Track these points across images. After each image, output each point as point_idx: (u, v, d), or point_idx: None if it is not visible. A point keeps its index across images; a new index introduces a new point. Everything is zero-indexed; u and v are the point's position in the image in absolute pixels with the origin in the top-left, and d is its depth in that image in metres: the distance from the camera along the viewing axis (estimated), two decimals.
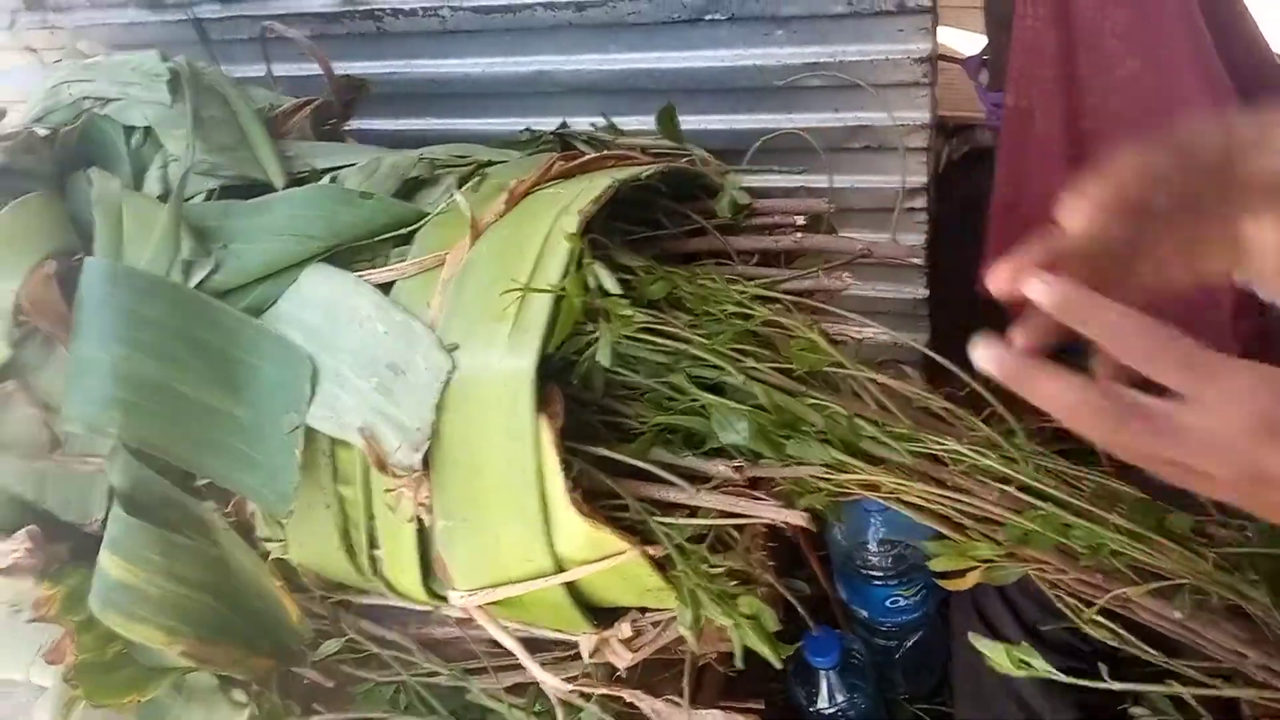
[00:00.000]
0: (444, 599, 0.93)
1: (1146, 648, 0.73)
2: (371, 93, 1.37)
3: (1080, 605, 0.74)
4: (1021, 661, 0.71)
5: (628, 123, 1.25)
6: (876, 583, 1.34)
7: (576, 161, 1.02)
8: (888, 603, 1.35)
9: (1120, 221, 0.56)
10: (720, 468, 0.84)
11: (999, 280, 0.55)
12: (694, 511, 0.84)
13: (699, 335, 0.85)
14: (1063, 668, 0.84)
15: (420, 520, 0.90)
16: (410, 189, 1.07)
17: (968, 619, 1.02)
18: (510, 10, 1.45)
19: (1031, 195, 1.25)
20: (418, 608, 1.01)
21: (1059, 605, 0.77)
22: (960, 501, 0.75)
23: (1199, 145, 0.57)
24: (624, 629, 0.90)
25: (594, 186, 0.93)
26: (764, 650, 0.79)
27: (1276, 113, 0.57)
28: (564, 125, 1.28)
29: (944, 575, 0.78)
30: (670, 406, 0.87)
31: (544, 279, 0.86)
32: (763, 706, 0.94)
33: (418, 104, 1.60)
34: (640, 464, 0.86)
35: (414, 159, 1.09)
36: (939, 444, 0.76)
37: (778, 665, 0.80)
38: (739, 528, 0.86)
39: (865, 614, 1.37)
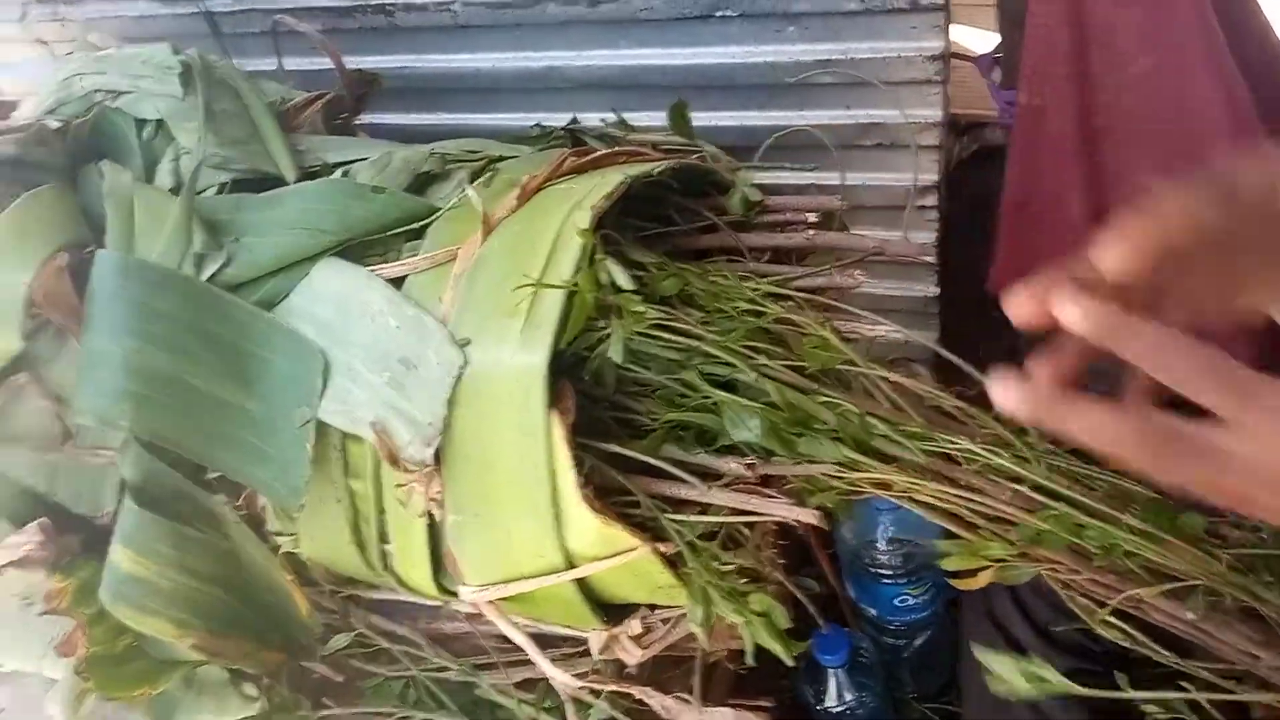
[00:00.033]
0: (454, 594, 0.93)
1: (1159, 648, 0.73)
2: (383, 87, 1.37)
3: (1093, 605, 0.74)
4: (1035, 677, 0.70)
5: (638, 119, 1.24)
6: (885, 581, 1.34)
7: (588, 157, 1.02)
8: (896, 601, 1.35)
9: (1158, 264, 0.53)
10: (732, 465, 0.84)
11: (1021, 304, 0.52)
12: (705, 509, 0.84)
13: (711, 332, 0.85)
14: (1073, 668, 0.84)
15: (431, 515, 0.90)
16: (422, 184, 1.07)
17: (977, 618, 1.02)
18: (521, 5, 1.45)
19: (1043, 193, 1.25)
20: (427, 603, 1.01)
21: (1071, 605, 0.77)
22: (973, 501, 0.75)
23: (1240, 183, 0.54)
24: (634, 626, 0.90)
25: (606, 182, 0.93)
26: (775, 648, 0.79)
27: None
28: (574, 121, 1.28)
29: (956, 574, 0.78)
30: (682, 403, 0.87)
31: (556, 275, 0.86)
32: (771, 704, 0.94)
33: (428, 99, 1.60)
34: (651, 460, 0.85)
35: (425, 154, 1.09)
36: (952, 443, 0.76)
37: (789, 663, 0.80)
38: (750, 525, 0.86)
39: (873, 612, 1.37)
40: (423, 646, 1.03)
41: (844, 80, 1.32)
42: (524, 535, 0.85)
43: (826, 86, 1.35)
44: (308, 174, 1.11)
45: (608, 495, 0.83)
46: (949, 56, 1.29)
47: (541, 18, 1.44)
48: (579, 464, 0.81)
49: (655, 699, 0.90)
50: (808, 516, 0.79)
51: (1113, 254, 0.52)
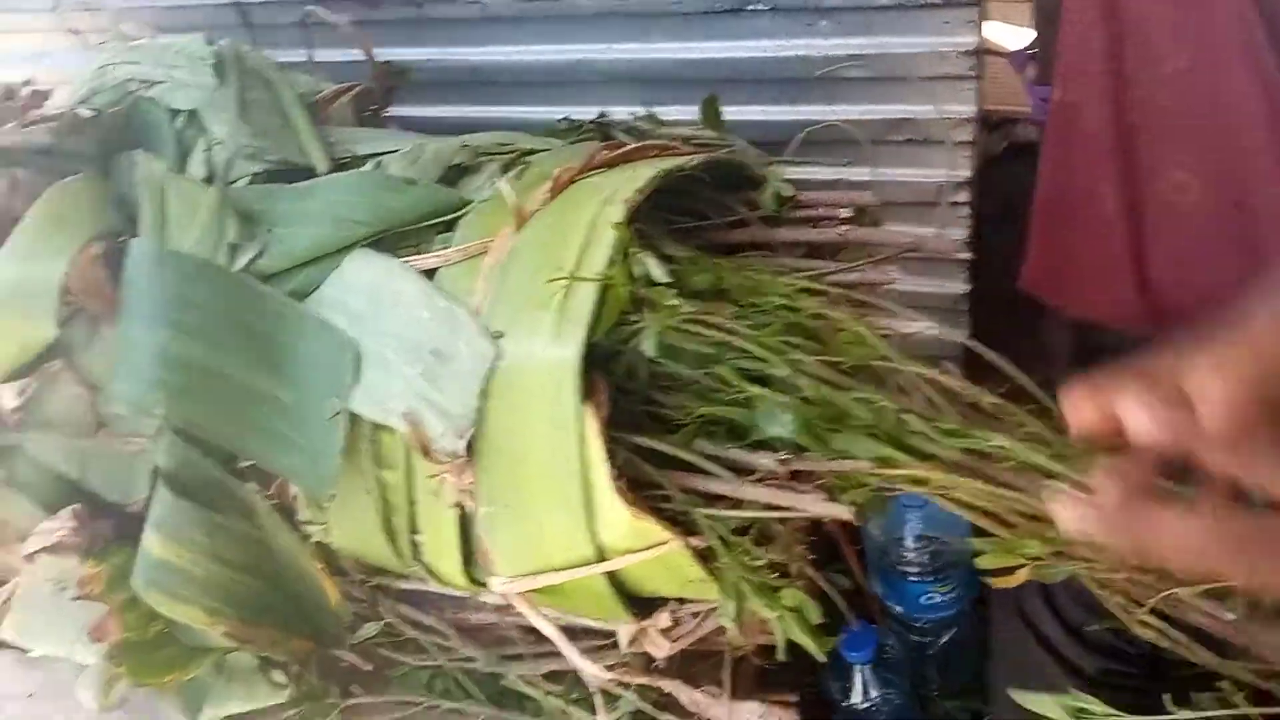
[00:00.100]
0: (484, 585, 0.93)
1: (1198, 647, 0.72)
2: (412, 80, 1.37)
3: (1129, 605, 0.73)
4: (1080, 710, 0.69)
5: (668, 113, 1.24)
6: (912, 579, 1.33)
7: (620, 151, 1.02)
8: (922, 599, 1.35)
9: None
10: (764, 460, 0.83)
11: (1081, 408, 0.48)
12: (737, 503, 0.84)
13: (745, 327, 0.85)
14: (1105, 669, 0.84)
15: (462, 506, 0.90)
16: (453, 176, 1.07)
17: (1007, 617, 1.02)
18: None
19: (1077, 190, 1.24)
20: (456, 593, 1.01)
21: (1106, 605, 0.76)
22: (1010, 498, 0.74)
23: None
24: (662, 619, 0.90)
25: (638, 176, 0.92)
26: (807, 643, 0.79)
27: None
28: (603, 115, 1.28)
29: (990, 572, 0.77)
30: (714, 398, 0.86)
31: (589, 268, 0.85)
32: (797, 699, 0.94)
33: (457, 91, 1.60)
34: (683, 455, 0.85)
35: (457, 146, 1.09)
36: (988, 440, 0.76)
37: (820, 658, 0.80)
38: (781, 521, 0.86)
39: (899, 610, 1.37)
40: (450, 636, 1.03)
41: (875, 75, 1.32)
42: (555, 527, 0.85)
43: (857, 81, 1.34)
44: (339, 165, 1.12)
45: (639, 489, 0.83)
46: (983, 52, 1.29)
47: (571, 10, 1.44)
48: (612, 457, 0.81)
49: (684, 692, 0.90)
50: (842, 513, 0.79)
51: (1212, 395, 0.46)
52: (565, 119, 1.29)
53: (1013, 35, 1.64)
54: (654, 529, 0.80)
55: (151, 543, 0.93)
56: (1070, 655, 0.95)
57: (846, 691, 1.28)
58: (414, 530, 0.96)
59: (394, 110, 1.38)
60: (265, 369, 0.97)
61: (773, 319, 0.86)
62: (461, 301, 0.92)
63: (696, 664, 0.94)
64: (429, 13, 1.53)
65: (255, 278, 1.00)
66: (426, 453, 0.88)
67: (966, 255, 1.43)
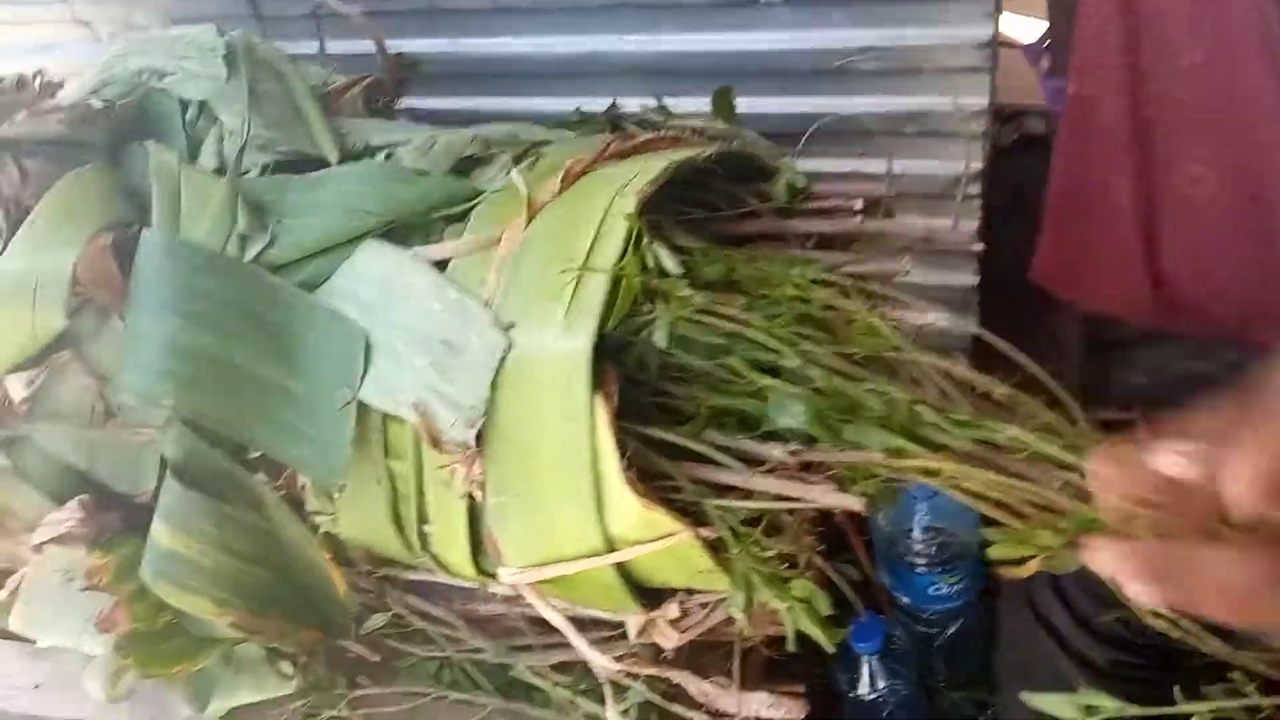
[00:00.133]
0: (493, 576, 0.93)
1: (1209, 638, 0.72)
2: (423, 72, 1.37)
3: None
4: (1089, 709, 0.69)
5: (680, 104, 1.24)
6: (919, 570, 1.33)
7: (632, 143, 1.02)
8: (930, 590, 1.34)
9: None
10: (775, 451, 0.83)
11: (1105, 473, 0.48)
12: (748, 494, 0.84)
13: (756, 317, 0.84)
14: (1114, 660, 0.84)
15: (471, 497, 0.90)
16: (465, 167, 1.06)
17: (1016, 609, 1.01)
18: None
19: (1091, 184, 1.24)
20: (464, 584, 1.01)
21: (1117, 596, 0.76)
22: (1022, 489, 0.74)
23: None
24: (671, 610, 0.90)
25: (650, 168, 0.92)
26: (817, 634, 0.79)
27: None
28: (615, 106, 1.27)
29: (1001, 563, 0.77)
30: (725, 389, 0.86)
31: (601, 259, 0.85)
32: (804, 690, 0.94)
33: (468, 83, 1.59)
34: (694, 446, 0.85)
35: (468, 137, 1.09)
36: (1001, 431, 0.75)
37: (830, 649, 0.79)
38: (790, 511, 0.86)
39: (906, 601, 1.37)
40: (459, 627, 1.03)
41: (888, 67, 1.31)
42: (565, 518, 0.85)
43: (870, 73, 1.34)
44: (350, 156, 1.11)
45: (650, 480, 0.83)
46: (997, 44, 1.28)
47: (582, 2, 1.44)
48: (622, 448, 0.80)
49: (693, 683, 0.90)
50: (853, 504, 0.78)
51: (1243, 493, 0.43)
52: (577, 110, 1.29)
53: (1025, 27, 1.63)
54: (664, 520, 0.80)
55: (160, 533, 0.93)
56: (1080, 647, 0.95)
57: (854, 682, 1.28)
58: (423, 521, 0.96)
59: (405, 102, 1.38)
60: (275, 359, 0.97)
61: (784, 310, 0.85)
62: (473, 293, 0.91)
63: (705, 655, 0.94)
64: (440, 4, 1.53)
65: (266, 268, 1.00)
66: (436, 443, 0.88)
67: (980, 247, 1.42)
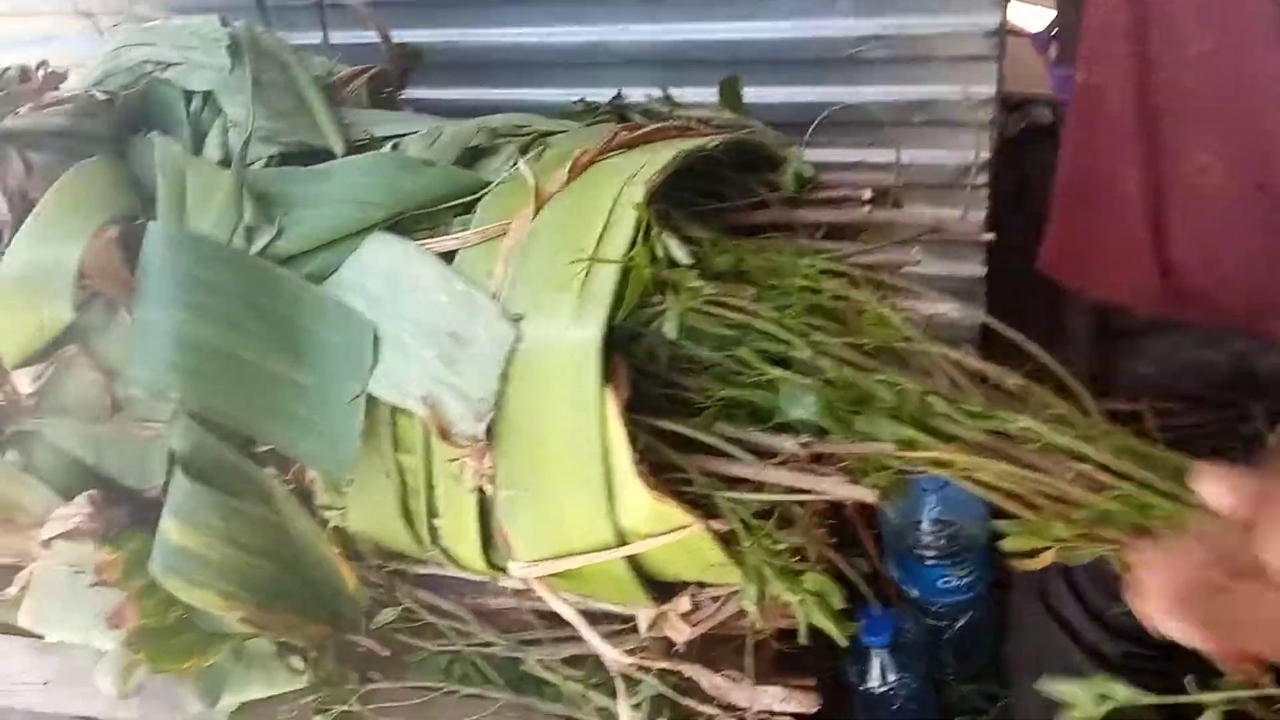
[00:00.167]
0: (503, 570, 0.93)
1: None
2: (427, 62, 1.36)
3: None
4: (1102, 697, 0.69)
5: (685, 94, 1.23)
6: (928, 562, 1.33)
7: (639, 132, 1.01)
8: (939, 583, 1.34)
9: None
10: (786, 443, 0.83)
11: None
12: (759, 487, 0.83)
13: (766, 308, 0.84)
14: (1127, 652, 0.83)
15: (481, 490, 0.90)
16: (470, 158, 1.06)
17: (1028, 601, 1.01)
18: None
19: (1099, 172, 1.23)
20: (474, 578, 1.01)
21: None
22: (1035, 480, 0.74)
23: None
24: (682, 603, 0.89)
25: (659, 157, 0.92)
26: (830, 628, 0.78)
27: None
28: (619, 96, 1.27)
29: (1015, 555, 0.77)
30: (735, 380, 0.86)
31: (610, 249, 0.85)
32: (814, 683, 0.94)
33: (472, 73, 1.59)
34: (704, 438, 0.85)
35: (474, 128, 1.08)
36: (1013, 421, 0.75)
37: (843, 643, 0.79)
38: (800, 504, 0.85)
39: (916, 593, 1.36)
40: (469, 621, 1.03)
41: (895, 56, 1.31)
42: (575, 511, 0.84)
43: (877, 62, 1.33)
44: (355, 148, 1.11)
45: (660, 472, 0.82)
46: (1005, 32, 1.27)
47: None
48: (633, 440, 0.80)
49: (705, 677, 0.90)
50: (865, 496, 0.78)
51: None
52: (581, 101, 1.28)
53: (1031, 15, 1.63)
54: (675, 512, 0.80)
55: (170, 529, 0.93)
56: (1093, 639, 0.94)
57: (863, 675, 1.27)
58: (432, 514, 0.95)
59: (409, 93, 1.37)
60: (283, 352, 0.97)
61: (794, 300, 0.85)
62: (480, 284, 0.91)
63: (715, 648, 0.94)
64: None
65: (273, 260, 0.99)
66: (446, 436, 0.88)
67: (990, 237, 1.41)
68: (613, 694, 0.94)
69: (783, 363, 0.84)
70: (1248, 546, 0.46)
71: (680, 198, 0.99)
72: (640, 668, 0.91)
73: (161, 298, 0.99)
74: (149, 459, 1.05)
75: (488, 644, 1.01)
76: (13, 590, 1.09)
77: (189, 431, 0.97)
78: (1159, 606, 0.47)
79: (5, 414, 1.09)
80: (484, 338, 0.88)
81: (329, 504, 1.01)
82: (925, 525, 1.32)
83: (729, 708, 0.90)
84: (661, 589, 0.89)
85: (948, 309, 0.85)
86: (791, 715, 0.89)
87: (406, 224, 0.99)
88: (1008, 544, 0.75)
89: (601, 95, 1.27)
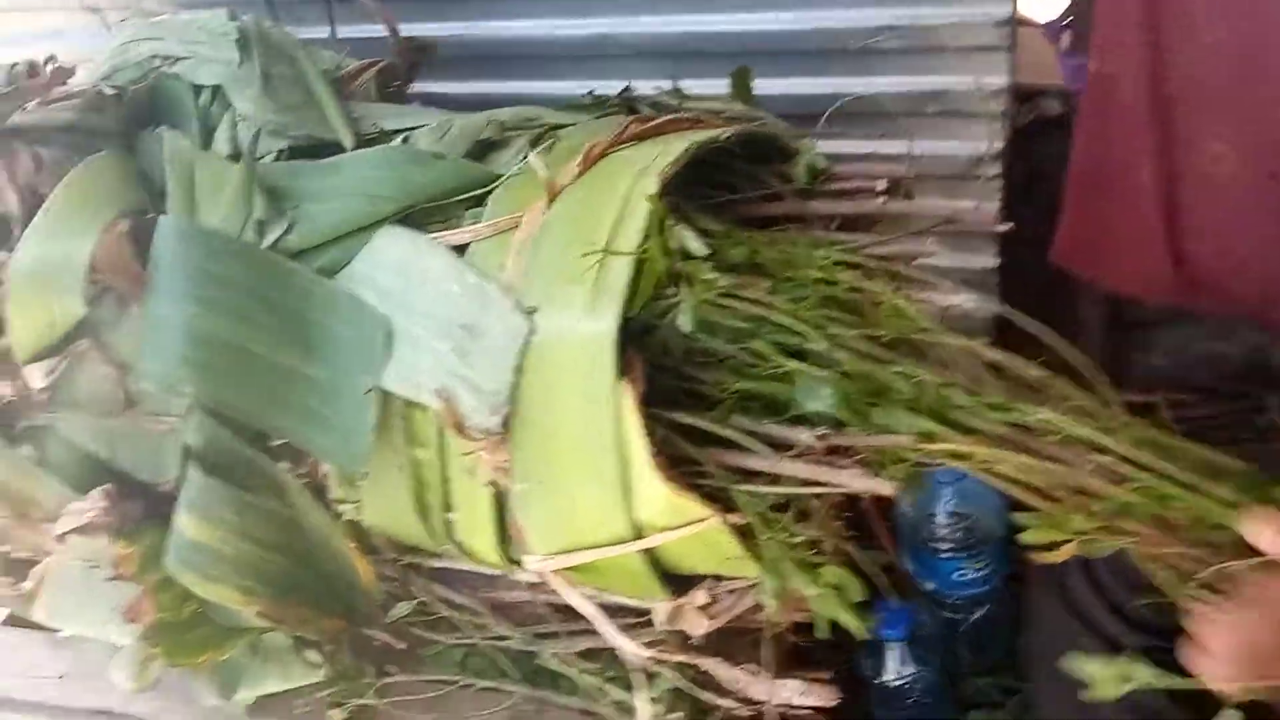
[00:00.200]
0: (518, 563, 0.92)
1: None
2: (435, 55, 1.36)
3: (1178, 580, 0.72)
4: (1128, 677, 0.69)
5: (694, 86, 1.23)
6: (944, 555, 1.32)
7: (651, 124, 1.01)
8: (955, 576, 1.34)
9: None
10: (803, 436, 0.82)
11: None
12: (775, 479, 0.83)
13: (782, 300, 0.83)
14: (1147, 645, 0.83)
15: (496, 484, 0.89)
16: (481, 151, 1.06)
17: (1046, 594, 1.01)
18: None
19: (1112, 162, 1.22)
20: (488, 571, 1.01)
21: (1153, 580, 0.75)
22: (1055, 473, 0.73)
23: None
24: (699, 596, 0.89)
25: (671, 149, 0.91)
26: (848, 621, 0.78)
27: None
28: (628, 89, 1.26)
29: (1035, 548, 0.76)
30: (751, 373, 0.85)
31: (623, 241, 0.84)
32: (830, 677, 0.94)
33: (480, 66, 1.58)
34: (721, 431, 0.84)
35: (484, 121, 1.08)
36: (1033, 413, 0.74)
37: (861, 636, 0.79)
38: (817, 497, 0.85)
39: (931, 586, 1.36)
40: (484, 615, 1.02)
41: (906, 46, 1.30)
42: (589, 504, 0.84)
43: (888, 53, 1.32)
44: (365, 141, 1.11)
45: (677, 465, 0.82)
46: (1016, 23, 1.27)
47: None
48: (650, 433, 0.80)
49: (724, 670, 0.90)
50: (884, 488, 0.78)
51: None
52: (590, 94, 1.27)
53: (1043, 6, 1.62)
54: (693, 506, 0.80)
55: (185, 524, 0.93)
56: (1113, 632, 0.94)
57: (879, 668, 1.27)
58: (447, 508, 0.95)
59: (417, 86, 1.37)
60: (295, 346, 0.97)
61: (810, 292, 0.85)
62: (492, 277, 0.91)
63: (732, 641, 0.94)
64: None
65: (284, 254, 0.99)
66: (460, 430, 0.88)
67: (1005, 228, 1.41)
68: (628, 687, 0.93)
69: (799, 355, 0.83)
70: None
71: (692, 190, 0.98)
72: (658, 661, 0.91)
73: (173, 292, 0.99)
74: (162, 453, 1.05)
75: (503, 637, 1.01)
76: (28, 584, 1.09)
77: (203, 426, 0.97)
78: (1225, 674, 0.47)
79: (18, 409, 1.09)
80: (497, 330, 0.88)
81: (343, 498, 1.01)
82: (941, 518, 1.31)
83: (747, 701, 0.90)
84: (678, 582, 0.89)
85: (963, 300, 0.84)
86: (809, 709, 0.88)
87: (417, 217, 0.99)
88: (1028, 537, 0.75)
89: (610, 88, 1.26)
